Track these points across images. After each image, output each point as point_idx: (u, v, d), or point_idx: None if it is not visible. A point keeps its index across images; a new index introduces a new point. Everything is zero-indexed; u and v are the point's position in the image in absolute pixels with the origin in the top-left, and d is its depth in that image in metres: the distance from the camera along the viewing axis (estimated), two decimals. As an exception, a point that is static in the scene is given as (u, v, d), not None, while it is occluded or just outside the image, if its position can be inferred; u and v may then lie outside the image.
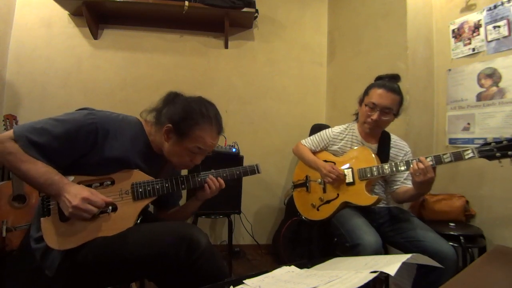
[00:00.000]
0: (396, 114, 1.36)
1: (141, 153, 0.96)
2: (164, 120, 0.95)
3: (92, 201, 0.80)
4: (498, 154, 1.03)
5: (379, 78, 1.43)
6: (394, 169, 1.25)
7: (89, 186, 0.87)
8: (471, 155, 1.07)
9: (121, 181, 0.92)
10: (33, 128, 0.81)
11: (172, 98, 0.99)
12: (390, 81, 1.36)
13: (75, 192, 0.79)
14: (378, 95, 1.31)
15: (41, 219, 0.83)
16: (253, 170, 1.08)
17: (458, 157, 1.10)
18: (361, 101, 1.43)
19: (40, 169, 0.79)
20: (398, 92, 1.33)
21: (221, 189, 1.05)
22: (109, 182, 0.90)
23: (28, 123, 0.82)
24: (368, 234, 1.17)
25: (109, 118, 0.91)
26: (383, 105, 1.31)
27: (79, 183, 0.86)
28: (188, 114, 0.93)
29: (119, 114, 0.96)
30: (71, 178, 0.86)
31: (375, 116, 1.32)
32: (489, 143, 1.06)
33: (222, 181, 1.04)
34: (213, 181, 1.02)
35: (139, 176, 0.94)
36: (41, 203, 0.85)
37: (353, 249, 1.16)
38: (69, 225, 0.84)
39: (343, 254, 1.26)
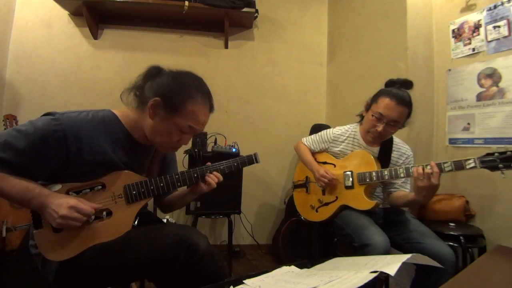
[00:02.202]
0: (402, 126, 1.33)
1: (124, 149, 0.89)
2: (149, 95, 0.85)
3: (80, 209, 0.75)
4: (501, 165, 1.00)
5: (390, 82, 1.36)
6: (393, 175, 1.23)
7: (79, 192, 0.83)
8: (472, 165, 1.04)
9: (112, 184, 0.86)
10: None
11: (155, 73, 0.91)
12: (401, 89, 1.30)
13: (61, 202, 0.74)
14: (387, 106, 1.26)
15: (34, 232, 0.81)
16: (251, 160, 1.02)
17: (459, 166, 1.06)
18: (368, 107, 1.37)
19: (15, 185, 0.74)
20: (408, 104, 1.27)
21: (219, 186, 1.01)
22: (99, 187, 0.85)
23: None
24: (377, 234, 1.16)
25: (77, 121, 0.81)
26: (390, 117, 1.26)
27: (67, 190, 0.82)
28: (180, 86, 0.84)
29: (88, 112, 0.86)
30: (58, 186, 0.81)
31: (380, 128, 1.28)
32: (492, 154, 1.02)
33: (219, 175, 1.00)
34: (212, 178, 0.98)
35: (129, 177, 0.89)
36: (32, 216, 0.81)
37: (362, 249, 1.14)
38: (63, 235, 0.80)
39: (344, 254, 1.26)
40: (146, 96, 0.86)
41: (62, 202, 0.75)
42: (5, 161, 0.74)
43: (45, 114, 0.82)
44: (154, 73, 0.91)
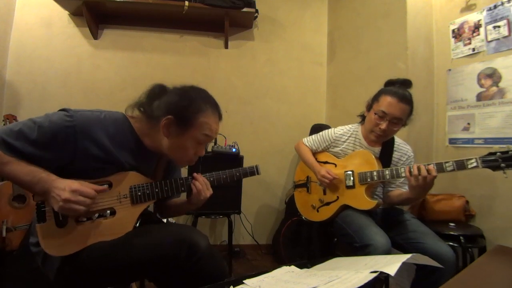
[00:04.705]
0: (404, 124, 1.33)
1: (132, 151, 0.91)
2: (160, 114, 0.88)
3: (83, 192, 0.76)
4: (503, 165, 0.99)
5: (390, 83, 1.37)
6: (394, 174, 1.23)
7: None
8: (474, 164, 1.04)
9: (118, 184, 0.88)
10: (10, 130, 0.77)
11: (159, 91, 0.93)
12: (401, 88, 1.31)
13: (64, 186, 0.75)
14: (389, 104, 1.26)
15: (37, 225, 0.81)
16: (253, 172, 1.05)
17: (460, 166, 1.06)
18: (369, 106, 1.37)
19: (24, 168, 0.76)
20: (409, 101, 1.28)
21: (220, 187, 1.02)
22: (106, 185, 0.86)
23: (9, 125, 0.79)
24: (378, 235, 1.15)
25: (90, 119, 0.84)
26: (393, 115, 1.26)
27: None
28: (189, 102, 0.88)
29: (102, 111, 0.89)
30: None
31: (383, 125, 1.28)
32: (494, 153, 1.01)
33: (206, 182, 0.99)
34: (202, 185, 0.97)
35: (136, 178, 0.91)
36: (36, 209, 0.82)
37: (363, 249, 1.14)
38: (66, 231, 0.81)
39: (344, 254, 1.26)
40: (156, 115, 0.89)
41: (65, 186, 0.75)
42: (15, 148, 0.76)
43: (61, 110, 0.84)
44: (158, 91, 0.94)
